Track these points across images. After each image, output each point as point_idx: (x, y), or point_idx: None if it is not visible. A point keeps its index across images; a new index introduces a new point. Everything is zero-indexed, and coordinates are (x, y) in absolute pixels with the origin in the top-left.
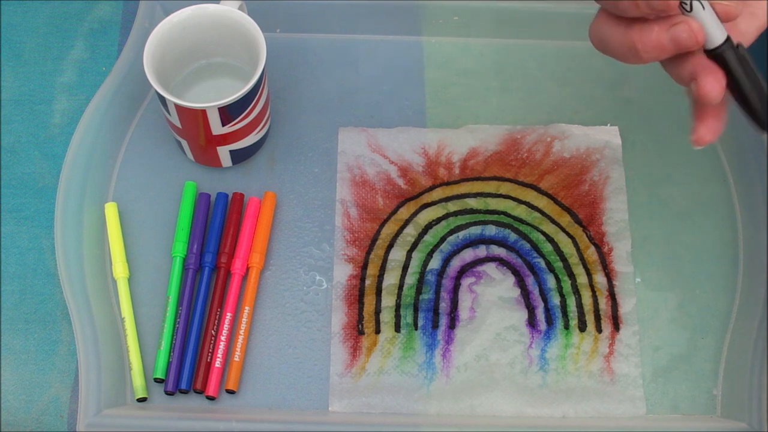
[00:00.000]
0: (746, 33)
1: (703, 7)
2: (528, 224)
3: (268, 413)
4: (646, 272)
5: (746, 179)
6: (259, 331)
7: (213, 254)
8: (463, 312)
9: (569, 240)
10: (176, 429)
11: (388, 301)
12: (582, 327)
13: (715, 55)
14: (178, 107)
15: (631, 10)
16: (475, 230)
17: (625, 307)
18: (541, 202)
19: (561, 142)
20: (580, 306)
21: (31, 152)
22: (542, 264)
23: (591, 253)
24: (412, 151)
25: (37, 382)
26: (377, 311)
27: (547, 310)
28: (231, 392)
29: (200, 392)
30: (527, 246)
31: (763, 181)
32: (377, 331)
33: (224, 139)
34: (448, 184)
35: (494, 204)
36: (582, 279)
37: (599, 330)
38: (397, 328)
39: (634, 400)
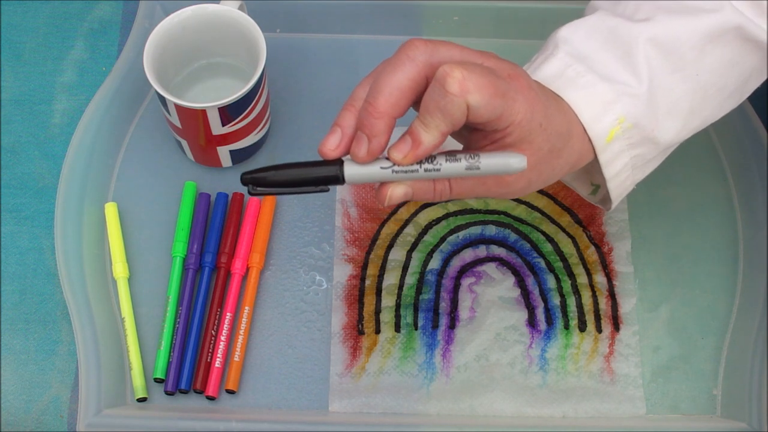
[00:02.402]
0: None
1: (382, 167)
2: (528, 224)
3: (268, 413)
4: (646, 272)
5: (746, 179)
6: (259, 331)
7: (213, 254)
8: (463, 312)
9: (569, 240)
10: (176, 429)
11: (388, 301)
12: (582, 327)
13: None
14: (178, 107)
15: None
16: (475, 230)
17: (625, 307)
18: (541, 201)
19: None
20: (580, 306)
21: (31, 152)
22: (542, 264)
23: (591, 253)
24: None
25: (37, 382)
26: (377, 311)
27: (547, 310)
28: (231, 392)
29: (200, 392)
30: (527, 246)
31: (763, 181)
32: (377, 331)
33: (224, 139)
34: None
35: (494, 204)
36: (582, 279)
37: (599, 330)
38: (397, 328)
39: (634, 400)
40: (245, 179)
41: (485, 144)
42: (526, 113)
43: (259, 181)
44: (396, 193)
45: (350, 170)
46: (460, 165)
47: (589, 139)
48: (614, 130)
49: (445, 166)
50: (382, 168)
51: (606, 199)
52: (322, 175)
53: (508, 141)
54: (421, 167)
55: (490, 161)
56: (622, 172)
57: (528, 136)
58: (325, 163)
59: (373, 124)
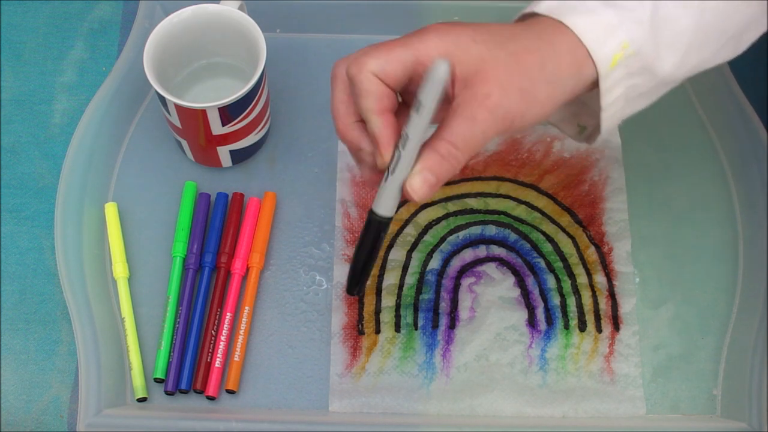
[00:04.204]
0: (469, 138)
1: (386, 180)
2: (528, 224)
3: (268, 413)
4: (646, 272)
5: (746, 179)
6: (259, 331)
7: (213, 254)
8: (463, 312)
9: (569, 240)
10: (176, 429)
11: (388, 301)
12: (582, 327)
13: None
14: (178, 107)
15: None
16: (475, 230)
17: (625, 307)
18: (541, 202)
19: (561, 142)
20: (580, 306)
21: (31, 152)
22: (542, 264)
23: (591, 253)
24: None
25: (37, 382)
26: (377, 311)
27: (547, 310)
28: (231, 392)
29: (200, 392)
30: (527, 246)
31: (763, 181)
32: (377, 331)
33: (224, 139)
34: (448, 183)
35: (494, 204)
36: (582, 279)
37: (599, 330)
38: (397, 328)
39: (634, 400)
40: (353, 293)
41: (461, 88)
42: (446, 44)
43: (358, 280)
44: (414, 183)
45: (378, 207)
46: (412, 115)
47: (594, 62)
48: (617, 56)
49: (407, 129)
50: (384, 180)
51: (592, 135)
52: (374, 231)
53: (462, 71)
54: (400, 150)
55: (422, 87)
56: (616, 102)
57: (467, 58)
58: (367, 223)
59: (350, 141)
